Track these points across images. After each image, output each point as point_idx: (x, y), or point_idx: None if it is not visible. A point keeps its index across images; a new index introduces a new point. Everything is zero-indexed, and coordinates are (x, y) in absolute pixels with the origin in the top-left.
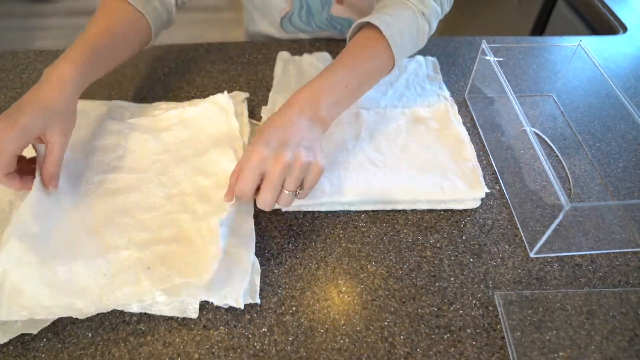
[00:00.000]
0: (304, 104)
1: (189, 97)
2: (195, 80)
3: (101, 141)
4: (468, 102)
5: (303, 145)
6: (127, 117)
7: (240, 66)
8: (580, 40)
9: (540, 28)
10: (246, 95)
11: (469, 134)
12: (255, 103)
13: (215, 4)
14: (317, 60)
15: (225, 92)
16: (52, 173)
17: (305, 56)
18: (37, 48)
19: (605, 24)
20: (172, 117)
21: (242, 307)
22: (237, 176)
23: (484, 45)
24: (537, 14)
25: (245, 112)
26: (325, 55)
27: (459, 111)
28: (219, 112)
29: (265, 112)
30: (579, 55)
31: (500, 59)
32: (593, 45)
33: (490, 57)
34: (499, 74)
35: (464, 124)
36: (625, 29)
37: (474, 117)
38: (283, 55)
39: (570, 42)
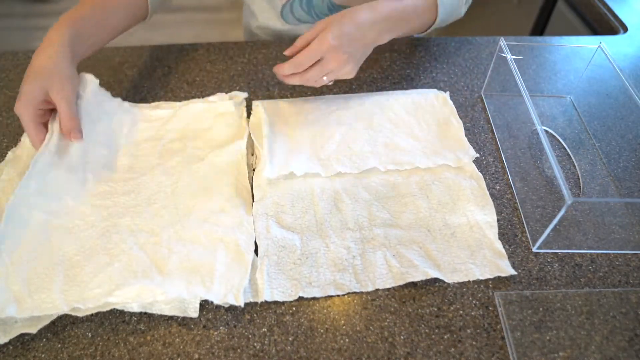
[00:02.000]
0: (370, 26)
1: (188, 97)
2: (195, 80)
3: (98, 139)
4: (484, 99)
5: (355, 56)
6: (125, 117)
7: (240, 66)
8: (600, 42)
9: (540, 28)
10: (245, 95)
11: (483, 131)
12: None
13: (215, 3)
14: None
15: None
16: (68, 127)
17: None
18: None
19: (605, 24)
20: (169, 116)
21: (242, 305)
22: (303, 45)
23: (502, 42)
24: (537, 14)
25: (244, 114)
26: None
27: (475, 108)
28: (217, 113)
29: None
30: (597, 55)
31: (519, 57)
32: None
33: (507, 55)
34: (514, 71)
35: (479, 121)
36: (625, 29)
37: (489, 115)
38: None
39: (590, 43)
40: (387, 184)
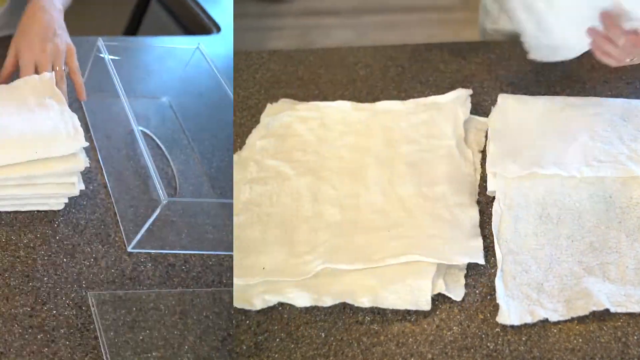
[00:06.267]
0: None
1: (421, 97)
2: (428, 80)
3: None
4: (80, 101)
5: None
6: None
7: (473, 66)
8: (199, 43)
9: (134, 27)
10: (469, 92)
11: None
12: (488, 103)
13: (448, 3)
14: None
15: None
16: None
17: None
18: None
19: (199, 24)
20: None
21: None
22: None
23: (100, 43)
24: (131, 13)
25: (467, 111)
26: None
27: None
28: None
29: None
30: (195, 56)
31: (117, 58)
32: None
33: (105, 55)
34: (112, 72)
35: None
36: (219, 29)
37: (86, 117)
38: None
39: (189, 44)
40: None
